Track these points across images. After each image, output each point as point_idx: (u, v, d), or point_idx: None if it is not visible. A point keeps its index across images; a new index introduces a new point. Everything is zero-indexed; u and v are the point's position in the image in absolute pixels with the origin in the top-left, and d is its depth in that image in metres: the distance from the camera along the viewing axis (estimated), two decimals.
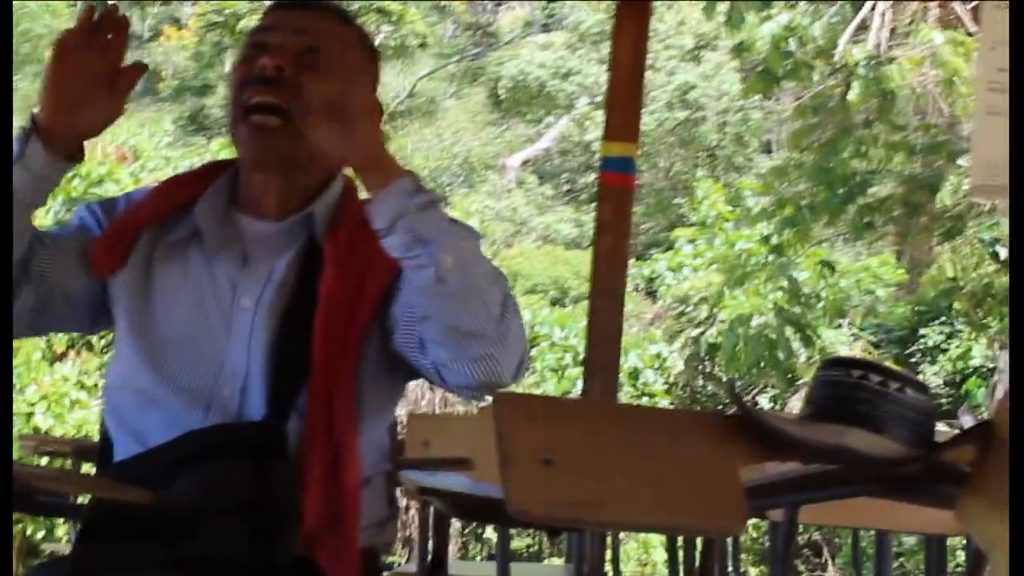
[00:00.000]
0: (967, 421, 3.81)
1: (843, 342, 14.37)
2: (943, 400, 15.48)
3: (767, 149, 23.01)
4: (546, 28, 27.57)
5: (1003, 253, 12.60)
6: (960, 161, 10.65)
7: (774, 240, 12.07)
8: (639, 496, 2.46)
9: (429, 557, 4.58)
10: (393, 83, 26.30)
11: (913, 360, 16.02)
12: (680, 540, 4.09)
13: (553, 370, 13.88)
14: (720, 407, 13.53)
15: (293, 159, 2.37)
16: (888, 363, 14.55)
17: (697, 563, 3.82)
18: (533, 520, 2.40)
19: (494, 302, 2.23)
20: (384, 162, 2.23)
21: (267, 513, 2.20)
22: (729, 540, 4.96)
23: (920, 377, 15.51)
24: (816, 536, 14.35)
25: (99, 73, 2.28)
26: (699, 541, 3.60)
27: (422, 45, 26.19)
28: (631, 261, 18.55)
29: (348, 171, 2.42)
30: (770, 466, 3.27)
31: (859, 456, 2.66)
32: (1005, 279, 12.67)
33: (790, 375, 14.04)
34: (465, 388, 2.32)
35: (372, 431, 2.41)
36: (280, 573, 2.18)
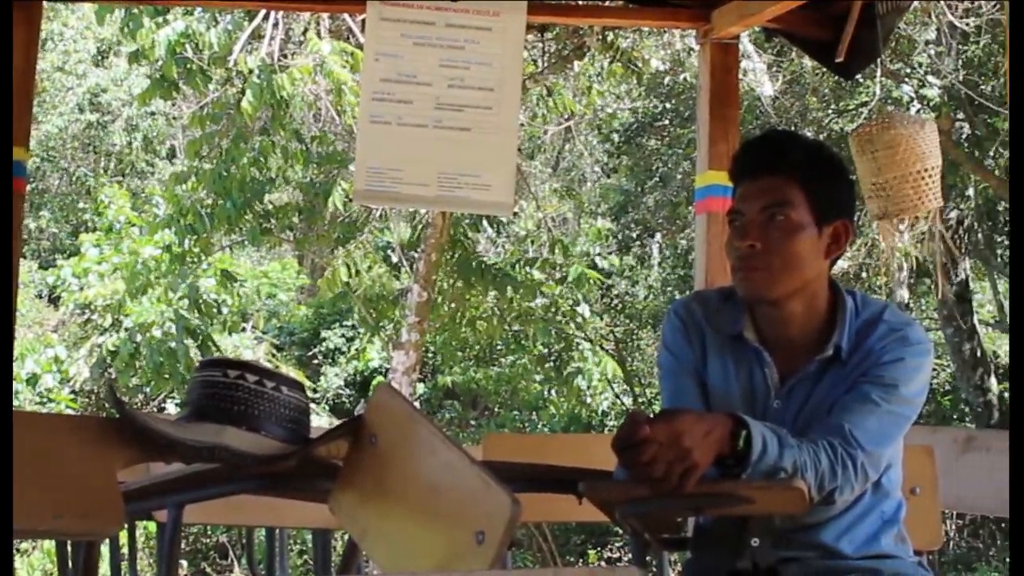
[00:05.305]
0: None
1: (247, 346, 14.51)
2: (345, 400, 15.90)
3: (172, 155, 22.88)
4: None
5: (394, 256, 13.09)
6: (352, 167, 10.96)
7: (176, 248, 12.06)
8: (17, 501, 2.48)
9: None
10: None
11: (316, 362, 16.36)
12: (70, 545, 4.08)
13: None
14: None
15: None
16: (291, 365, 14.84)
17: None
18: None
19: None
20: None
21: None
22: (125, 543, 4.98)
23: (323, 378, 15.90)
24: (223, 538, 14.42)
25: None
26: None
27: None
28: (34, 267, 18.10)
29: None
30: (157, 467, 3.34)
31: (236, 454, 2.76)
32: (395, 284, 13.18)
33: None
34: None
35: None
36: None
